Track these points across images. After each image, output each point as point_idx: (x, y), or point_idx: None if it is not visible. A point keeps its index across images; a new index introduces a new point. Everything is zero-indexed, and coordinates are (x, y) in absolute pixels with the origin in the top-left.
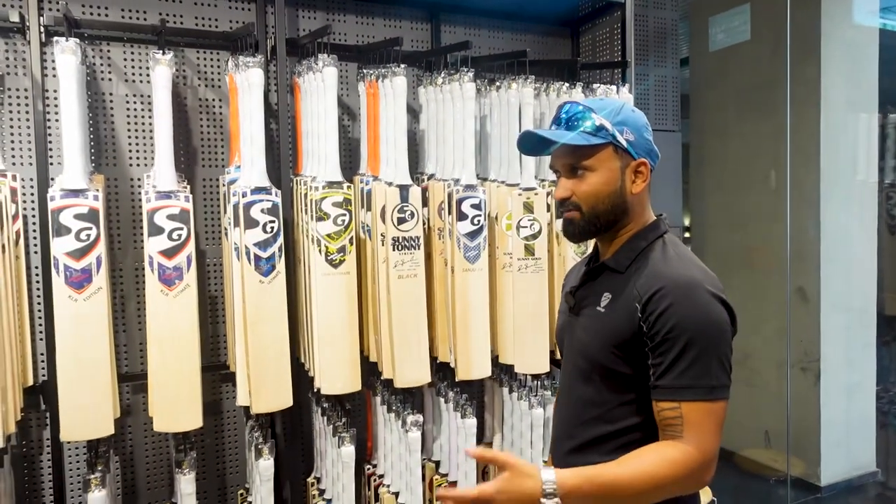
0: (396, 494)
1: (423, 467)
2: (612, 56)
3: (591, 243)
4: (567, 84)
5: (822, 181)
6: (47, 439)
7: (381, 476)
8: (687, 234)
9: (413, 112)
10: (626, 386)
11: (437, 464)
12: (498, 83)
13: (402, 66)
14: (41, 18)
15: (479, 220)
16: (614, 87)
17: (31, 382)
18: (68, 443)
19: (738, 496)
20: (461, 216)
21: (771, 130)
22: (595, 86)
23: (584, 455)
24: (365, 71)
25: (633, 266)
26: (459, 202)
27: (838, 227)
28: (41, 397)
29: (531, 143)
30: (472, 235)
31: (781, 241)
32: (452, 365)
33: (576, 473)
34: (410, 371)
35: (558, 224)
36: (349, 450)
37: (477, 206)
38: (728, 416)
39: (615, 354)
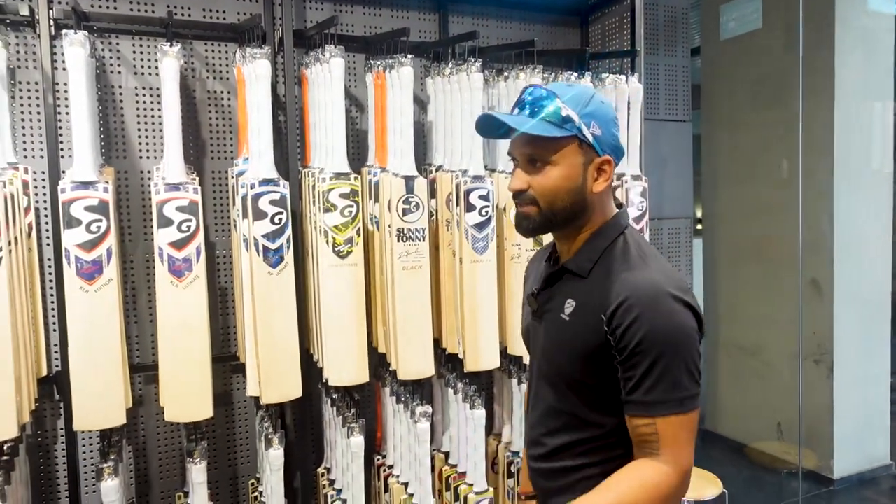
0: (406, 485)
1: (433, 458)
2: (621, 45)
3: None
4: (576, 74)
5: (836, 171)
6: (61, 429)
7: (391, 467)
8: (698, 226)
9: (421, 103)
10: (593, 395)
11: (447, 455)
12: (506, 73)
13: (410, 56)
14: (51, 12)
15: (487, 211)
16: (624, 77)
17: (45, 373)
18: (81, 432)
19: (749, 488)
20: (469, 207)
21: (783, 120)
22: (604, 75)
23: (555, 460)
24: (372, 62)
25: (595, 270)
26: (467, 193)
27: (852, 217)
28: (55, 387)
29: (489, 125)
30: (481, 226)
31: (794, 233)
32: (461, 356)
33: None
34: (414, 363)
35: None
36: (358, 440)
37: (485, 197)
38: (740, 407)
39: (582, 366)
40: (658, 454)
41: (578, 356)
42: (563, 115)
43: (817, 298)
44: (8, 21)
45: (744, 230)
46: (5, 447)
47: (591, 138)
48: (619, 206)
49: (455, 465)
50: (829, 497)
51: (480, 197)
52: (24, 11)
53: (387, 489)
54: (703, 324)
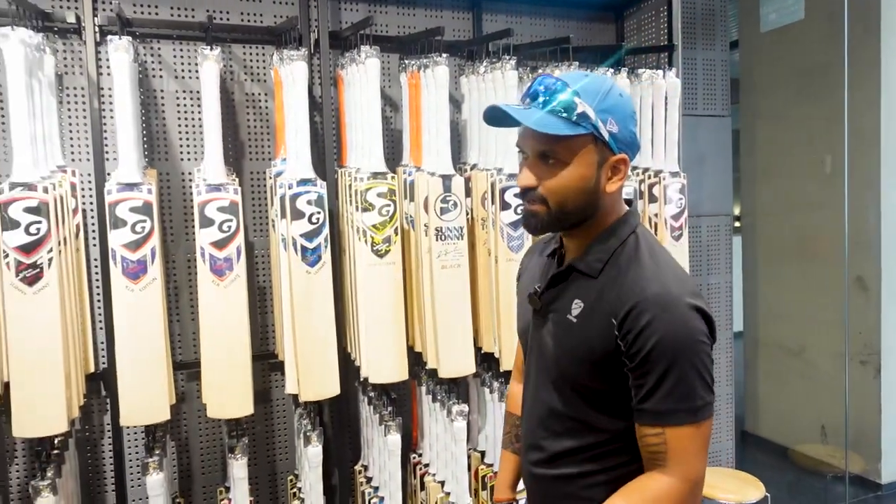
0: (442, 483)
1: (469, 457)
2: (657, 40)
3: None
4: (612, 70)
5: (883, 165)
6: (108, 424)
7: (427, 465)
8: (737, 224)
9: (455, 102)
10: (600, 399)
11: (483, 454)
12: (541, 70)
13: (444, 55)
14: (96, 19)
15: (522, 210)
16: (660, 72)
17: (92, 369)
18: (127, 427)
19: (793, 492)
20: (504, 206)
21: (826, 114)
22: (640, 70)
23: (556, 467)
24: (407, 62)
25: (606, 270)
26: (503, 191)
27: None
28: (102, 384)
29: (498, 117)
30: (516, 225)
31: (839, 229)
32: (497, 355)
33: None
34: (454, 361)
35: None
36: (395, 438)
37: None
38: (783, 409)
39: (590, 370)
40: (666, 466)
41: (586, 360)
42: (578, 111)
43: (863, 296)
44: (55, 28)
45: (785, 227)
46: (56, 441)
47: (607, 136)
48: (629, 203)
49: (491, 465)
50: (877, 502)
51: (516, 195)
52: (71, 19)
53: (423, 487)
54: (715, 329)
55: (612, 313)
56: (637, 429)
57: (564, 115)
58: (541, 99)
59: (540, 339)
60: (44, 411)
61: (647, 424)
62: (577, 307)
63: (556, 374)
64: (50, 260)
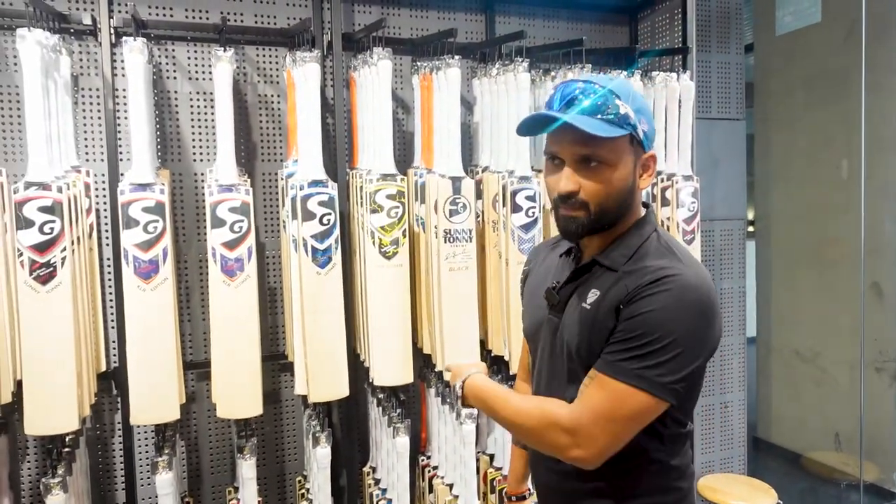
0: (451, 486)
1: (478, 460)
2: (671, 42)
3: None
4: (625, 72)
5: None
6: (118, 423)
7: (436, 468)
8: (751, 228)
9: (467, 104)
10: None
11: (492, 457)
12: (553, 73)
13: (456, 57)
14: (111, 20)
15: (533, 212)
16: (674, 75)
17: (103, 368)
18: (137, 426)
19: (805, 500)
20: (516, 208)
21: (842, 118)
22: (654, 73)
23: (579, 474)
24: (419, 64)
25: (628, 265)
26: (514, 194)
27: None
28: (113, 383)
29: (531, 125)
30: (527, 227)
31: (855, 235)
32: (507, 358)
33: (484, 382)
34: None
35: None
36: (404, 440)
37: (531, 198)
38: (796, 416)
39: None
40: (574, 400)
41: (600, 346)
42: (622, 112)
43: (879, 303)
44: (72, 30)
45: (800, 232)
46: (67, 439)
47: (641, 135)
48: (646, 205)
49: (500, 468)
50: None
51: (527, 198)
52: (87, 21)
53: (431, 490)
54: (720, 330)
55: (622, 297)
56: None
57: (606, 115)
58: (580, 102)
59: (554, 334)
60: (55, 409)
61: (593, 367)
62: (593, 295)
63: (571, 365)
64: (63, 259)
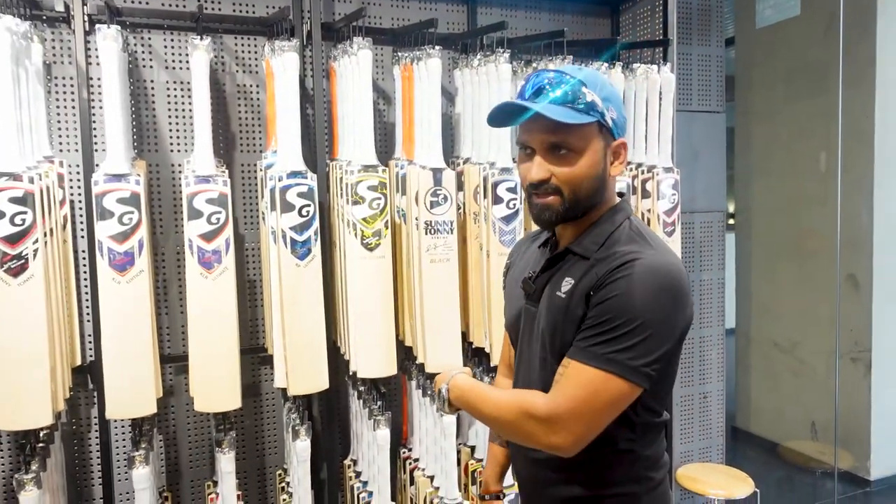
0: (431, 478)
1: (459, 452)
2: (653, 35)
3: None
4: (606, 64)
5: (876, 164)
6: (95, 417)
7: (417, 460)
8: (731, 221)
9: (449, 95)
10: None
11: (473, 449)
12: (535, 64)
13: (437, 48)
14: (85, 7)
15: (514, 204)
16: (655, 67)
17: (79, 362)
18: (114, 421)
19: (782, 488)
20: (497, 200)
21: (821, 111)
22: (635, 65)
23: (552, 462)
24: (400, 54)
25: (599, 252)
26: (495, 186)
27: (893, 211)
28: (89, 376)
29: (501, 116)
30: (508, 219)
31: (832, 227)
32: (488, 350)
33: (466, 381)
34: (441, 356)
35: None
36: (384, 433)
37: (513, 190)
38: (774, 406)
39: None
40: (550, 390)
41: (572, 332)
42: (588, 100)
43: (855, 294)
44: (44, 17)
45: (779, 224)
46: (41, 434)
47: (610, 122)
48: (621, 195)
49: (481, 460)
50: (865, 499)
51: (508, 189)
52: (60, 7)
53: (412, 482)
54: (690, 316)
55: (592, 284)
56: None
57: (574, 104)
58: (548, 92)
59: (531, 322)
60: (28, 404)
61: (565, 357)
62: (567, 284)
63: (546, 351)
64: (35, 251)
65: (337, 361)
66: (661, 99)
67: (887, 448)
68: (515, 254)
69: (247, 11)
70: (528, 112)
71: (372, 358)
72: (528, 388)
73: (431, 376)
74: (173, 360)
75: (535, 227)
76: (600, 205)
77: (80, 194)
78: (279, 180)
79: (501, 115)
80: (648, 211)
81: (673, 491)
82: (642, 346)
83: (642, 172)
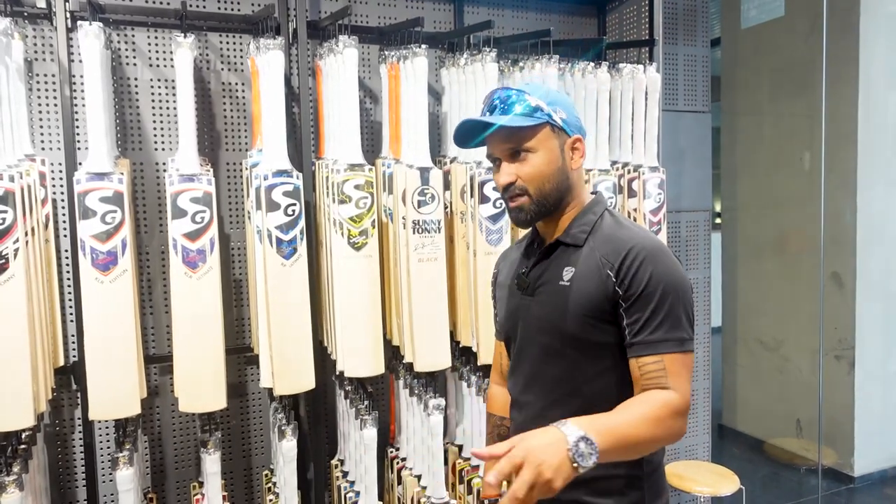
0: (419, 477)
1: (446, 451)
2: (639, 35)
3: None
4: (592, 64)
5: (860, 163)
6: (79, 418)
7: (404, 459)
8: (717, 220)
9: (436, 94)
10: (600, 354)
11: (460, 448)
12: (521, 64)
13: (424, 46)
14: (67, 4)
15: (501, 203)
16: (641, 67)
17: (62, 363)
18: (98, 422)
19: (767, 485)
20: (483, 199)
21: (806, 111)
22: (621, 65)
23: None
24: (386, 53)
25: (589, 240)
26: (482, 185)
27: (876, 210)
28: (72, 377)
29: (465, 134)
30: (495, 218)
31: (816, 226)
32: (475, 349)
33: (595, 424)
34: (430, 355)
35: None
36: (371, 433)
37: None
38: (759, 403)
39: (588, 323)
40: (667, 387)
41: (582, 314)
42: (532, 105)
43: (839, 293)
44: (25, 14)
45: (764, 223)
46: (23, 436)
47: (560, 122)
48: (594, 192)
49: (468, 459)
50: (849, 495)
51: (495, 189)
52: (41, 4)
53: (400, 482)
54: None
55: (608, 265)
56: (635, 363)
57: (522, 112)
58: (499, 108)
59: (530, 315)
60: (9, 406)
61: (645, 355)
62: (568, 272)
63: (555, 340)
64: (16, 251)
65: (324, 361)
66: (646, 98)
67: (871, 445)
68: (501, 263)
69: (232, 9)
70: (486, 127)
71: (359, 357)
72: (532, 379)
73: (418, 376)
74: (158, 361)
75: (522, 231)
76: (574, 199)
77: (62, 193)
78: (264, 179)
79: (464, 133)
80: (634, 210)
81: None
82: (691, 314)
83: (628, 172)
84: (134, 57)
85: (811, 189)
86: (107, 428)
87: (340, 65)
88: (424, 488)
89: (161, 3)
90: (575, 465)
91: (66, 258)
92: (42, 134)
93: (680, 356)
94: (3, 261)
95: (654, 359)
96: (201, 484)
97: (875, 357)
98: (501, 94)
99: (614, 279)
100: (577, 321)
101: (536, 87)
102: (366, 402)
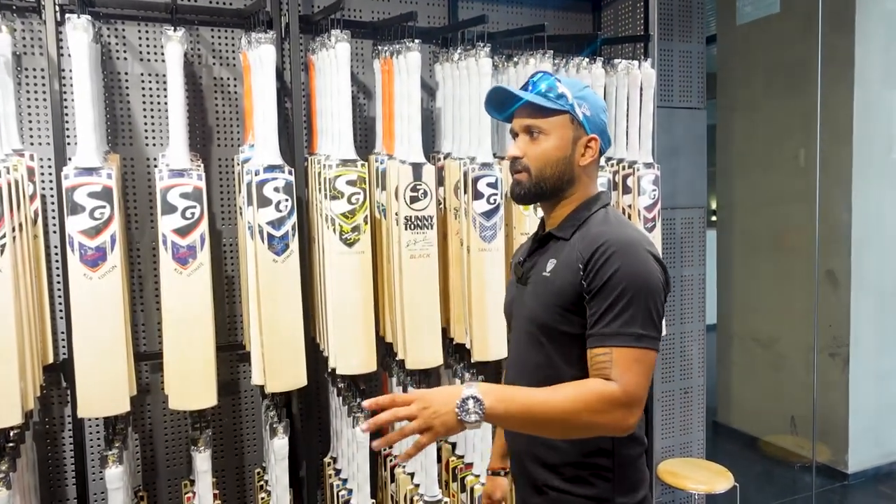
0: (412, 475)
1: (439, 449)
2: (634, 31)
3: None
4: (587, 59)
5: (855, 160)
6: (68, 416)
7: (397, 457)
8: (713, 217)
9: (429, 89)
10: (570, 344)
11: (454, 446)
12: (515, 59)
13: (417, 41)
14: None
15: (495, 199)
16: (636, 63)
17: (51, 360)
18: (88, 419)
19: (761, 482)
20: (477, 195)
21: (801, 108)
22: (616, 61)
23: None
24: (380, 48)
25: (576, 234)
26: (475, 181)
27: (871, 207)
28: (62, 375)
29: (497, 103)
30: (488, 215)
31: (811, 223)
32: (468, 346)
33: (498, 387)
34: (422, 352)
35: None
36: None
37: (493, 185)
38: (753, 400)
39: (559, 314)
40: (609, 378)
41: (557, 304)
42: (559, 91)
43: (833, 290)
44: (14, 7)
45: (759, 220)
46: (11, 434)
47: (581, 116)
48: (601, 191)
49: (462, 456)
50: (843, 492)
51: (489, 185)
52: None
53: (393, 479)
54: (670, 281)
55: (580, 258)
56: (589, 354)
57: (548, 94)
58: (532, 85)
59: (521, 303)
60: None
61: (597, 346)
62: (551, 264)
63: (535, 328)
64: (3, 247)
65: (316, 358)
66: (641, 95)
67: (864, 442)
68: (518, 251)
69: (223, 3)
70: (511, 97)
71: (351, 354)
72: (522, 366)
73: (411, 373)
74: (149, 358)
75: (516, 227)
76: (576, 192)
77: (51, 188)
78: (256, 174)
79: (496, 101)
80: (629, 206)
81: (654, 486)
82: (652, 313)
83: (623, 168)
84: (124, 51)
85: (806, 186)
86: (97, 426)
87: (333, 59)
88: (417, 486)
89: None
90: (459, 418)
91: (56, 254)
92: (31, 129)
93: (632, 350)
94: None
95: (604, 350)
96: (192, 482)
97: (869, 354)
98: (538, 76)
99: (582, 272)
100: (550, 311)
101: (574, 82)
102: (359, 400)
